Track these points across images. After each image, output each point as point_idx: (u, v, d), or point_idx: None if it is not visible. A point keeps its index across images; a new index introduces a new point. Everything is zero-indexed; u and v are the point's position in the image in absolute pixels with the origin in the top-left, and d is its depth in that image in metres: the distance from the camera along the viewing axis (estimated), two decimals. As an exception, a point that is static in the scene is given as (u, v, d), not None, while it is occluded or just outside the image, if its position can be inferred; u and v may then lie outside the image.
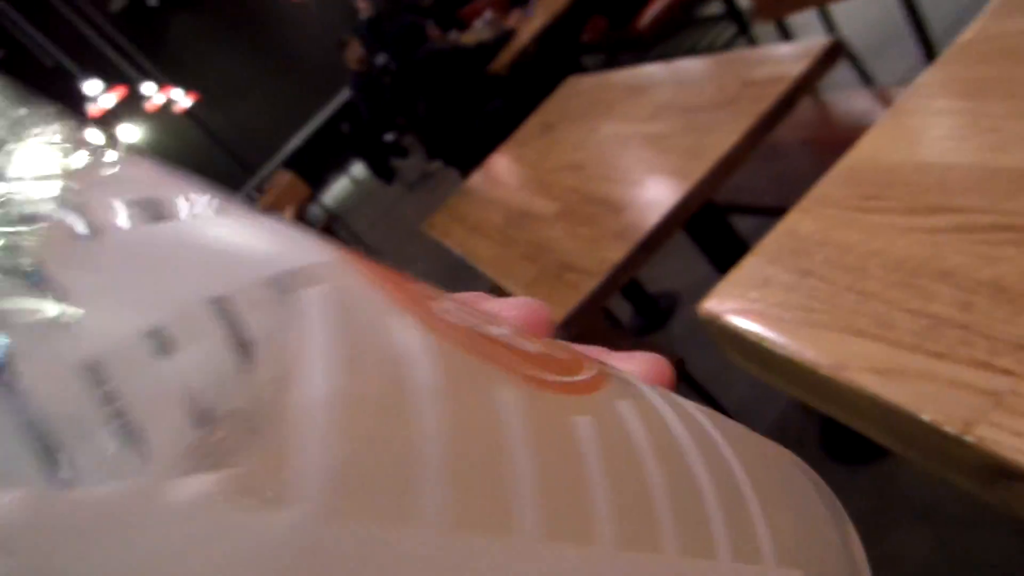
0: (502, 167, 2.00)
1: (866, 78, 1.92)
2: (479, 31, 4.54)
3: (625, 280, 1.22)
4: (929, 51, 1.59)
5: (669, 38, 4.26)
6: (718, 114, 1.31)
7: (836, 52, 1.20)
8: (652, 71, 1.81)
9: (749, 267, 0.72)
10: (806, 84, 1.21)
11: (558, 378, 0.13)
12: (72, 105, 5.45)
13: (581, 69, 3.67)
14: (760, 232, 0.75)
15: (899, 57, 2.50)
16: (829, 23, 1.88)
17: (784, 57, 1.34)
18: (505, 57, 3.74)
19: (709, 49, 3.86)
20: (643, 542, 0.11)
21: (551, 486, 0.11)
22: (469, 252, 1.66)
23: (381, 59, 5.25)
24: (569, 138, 1.78)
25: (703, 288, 0.73)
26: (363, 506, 0.09)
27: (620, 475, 0.12)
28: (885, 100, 1.65)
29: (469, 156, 3.09)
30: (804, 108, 1.58)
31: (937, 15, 1.92)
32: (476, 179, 2.08)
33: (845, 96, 1.75)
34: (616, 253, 1.16)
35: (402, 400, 0.10)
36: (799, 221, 0.72)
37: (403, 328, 0.11)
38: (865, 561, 0.16)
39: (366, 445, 0.09)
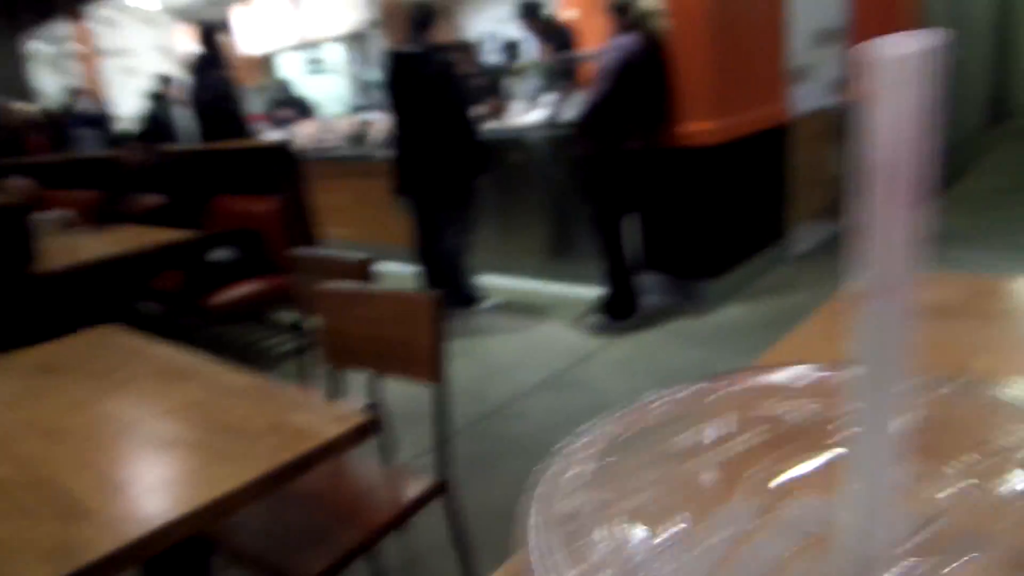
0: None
1: (388, 451, 2.06)
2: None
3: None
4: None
5: (236, 322, 4.43)
6: (240, 443, 1.17)
7: (372, 428, 1.22)
8: (195, 363, 1.58)
9: None
10: (334, 450, 1.18)
11: None
12: None
13: (130, 314, 3.47)
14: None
15: (420, 436, 2.51)
16: (376, 388, 1.97)
17: (324, 414, 1.29)
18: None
19: (272, 354, 4.03)
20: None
21: None
22: None
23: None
24: (67, 394, 1.51)
25: None
26: None
27: None
28: (394, 479, 1.77)
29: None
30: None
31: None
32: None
33: (363, 466, 1.83)
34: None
35: None
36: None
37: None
38: None
39: None
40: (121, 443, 1.28)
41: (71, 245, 3.50)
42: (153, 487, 1.12)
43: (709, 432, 0.31)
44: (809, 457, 0.29)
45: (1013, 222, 4.83)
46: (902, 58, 0.20)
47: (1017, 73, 8.51)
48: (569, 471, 0.28)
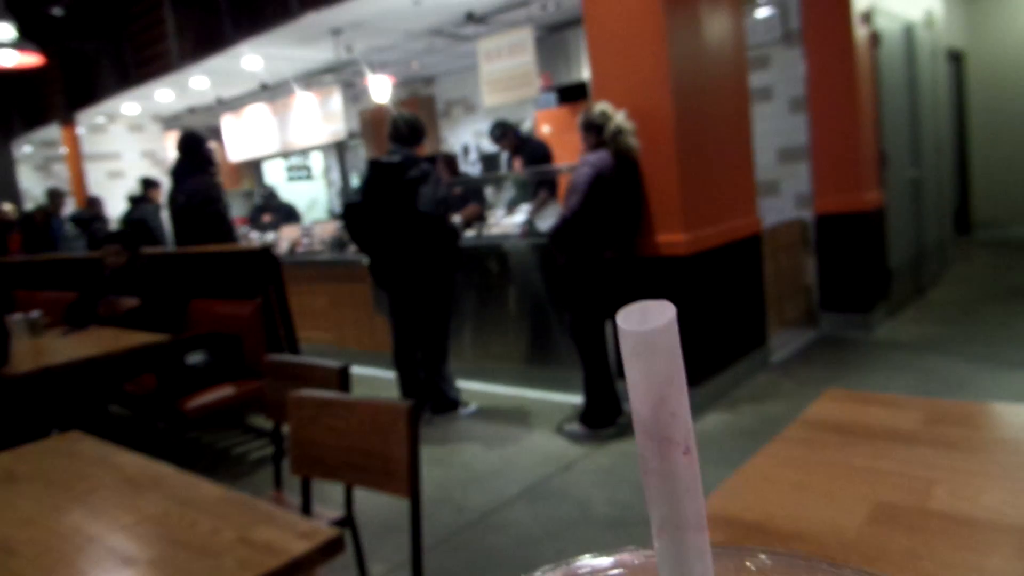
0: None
1: (361, 558, 2.05)
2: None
3: None
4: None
5: (211, 427, 4.51)
6: (203, 560, 1.12)
7: (338, 546, 1.20)
8: (161, 473, 1.55)
9: None
10: (301, 568, 1.13)
11: None
12: None
13: (102, 417, 3.50)
14: None
15: (395, 549, 2.75)
16: (349, 498, 2.02)
17: (291, 527, 1.25)
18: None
19: (248, 460, 4.00)
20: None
21: None
22: None
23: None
24: (27, 505, 1.47)
25: None
26: None
27: None
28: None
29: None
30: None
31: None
32: None
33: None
34: None
35: None
36: None
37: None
38: None
39: None
40: (78, 560, 1.22)
41: (41, 347, 3.44)
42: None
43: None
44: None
45: (983, 330, 4.92)
46: (645, 332, 0.22)
47: (977, 189, 8.89)
48: None
